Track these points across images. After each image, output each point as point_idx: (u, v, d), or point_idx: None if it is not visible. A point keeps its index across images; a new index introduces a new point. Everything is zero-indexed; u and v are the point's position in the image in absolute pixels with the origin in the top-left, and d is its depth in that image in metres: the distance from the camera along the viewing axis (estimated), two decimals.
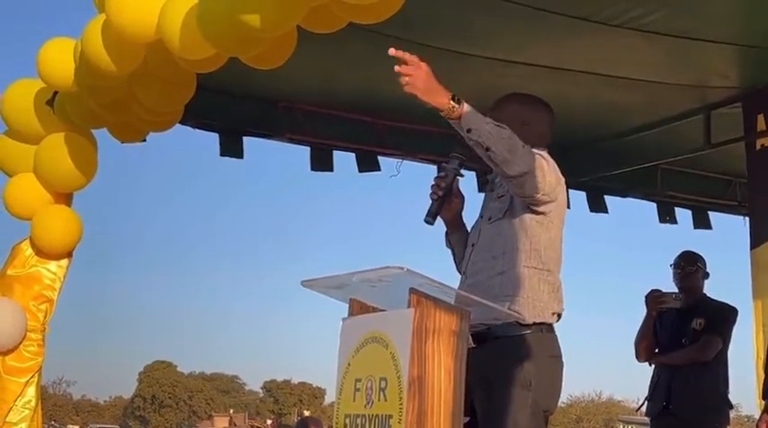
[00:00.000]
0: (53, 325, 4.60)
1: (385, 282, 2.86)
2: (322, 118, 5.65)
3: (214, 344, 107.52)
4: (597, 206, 6.60)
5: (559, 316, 3.39)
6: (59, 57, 4.10)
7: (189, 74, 3.96)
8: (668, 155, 6.09)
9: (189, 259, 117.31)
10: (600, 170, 6.27)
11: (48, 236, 4.56)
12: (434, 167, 5.34)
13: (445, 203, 3.42)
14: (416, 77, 3.05)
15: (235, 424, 69.45)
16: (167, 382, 76.05)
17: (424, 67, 3.07)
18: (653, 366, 5.44)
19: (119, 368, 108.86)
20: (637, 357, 5.46)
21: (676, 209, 6.85)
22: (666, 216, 6.83)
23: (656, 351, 5.41)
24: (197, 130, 5.34)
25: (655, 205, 6.80)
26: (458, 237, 3.64)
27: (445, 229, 3.66)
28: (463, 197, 3.59)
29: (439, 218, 3.42)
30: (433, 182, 3.38)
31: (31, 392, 4.51)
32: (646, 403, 5.45)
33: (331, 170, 5.80)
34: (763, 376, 4.46)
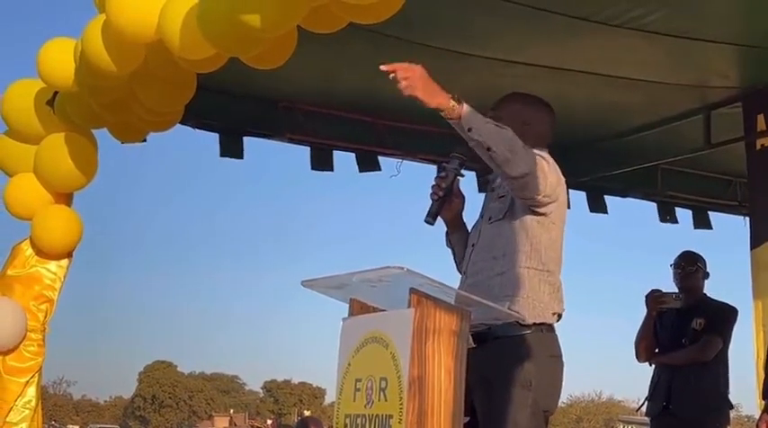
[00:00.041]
0: (53, 325, 4.61)
1: (385, 282, 2.86)
2: (322, 118, 5.65)
3: (214, 344, 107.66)
4: (597, 206, 6.60)
5: (560, 316, 3.39)
6: (60, 58, 4.10)
7: (189, 74, 3.96)
8: (668, 155, 6.09)
9: (189, 259, 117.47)
10: (600, 170, 6.27)
11: (48, 236, 4.56)
12: (434, 167, 5.33)
13: (446, 203, 3.42)
14: (414, 79, 3.05)
15: (235, 424, 69.47)
16: (167, 382, 76.06)
17: (418, 69, 3.07)
18: (653, 366, 5.44)
19: (119, 368, 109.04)
20: (637, 357, 5.46)
21: (676, 209, 6.85)
22: (667, 215, 6.83)
23: (657, 351, 5.41)
24: (197, 130, 5.34)
25: (655, 205, 6.80)
26: (458, 237, 3.64)
27: (446, 229, 3.66)
28: (464, 197, 3.59)
29: (439, 218, 3.42)
30: (434, 183, 3.38)
31: (32, 392, 4.51)
32: (646, 403, 5.45)
33: (331, 170, 5.80)
34: (763, 376, 4.46)
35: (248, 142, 5.51)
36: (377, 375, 2.80)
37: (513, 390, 3.22)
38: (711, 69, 4.98)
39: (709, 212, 6.94)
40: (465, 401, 2.81)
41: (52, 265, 4.61)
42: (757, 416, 4.24)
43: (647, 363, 5.44)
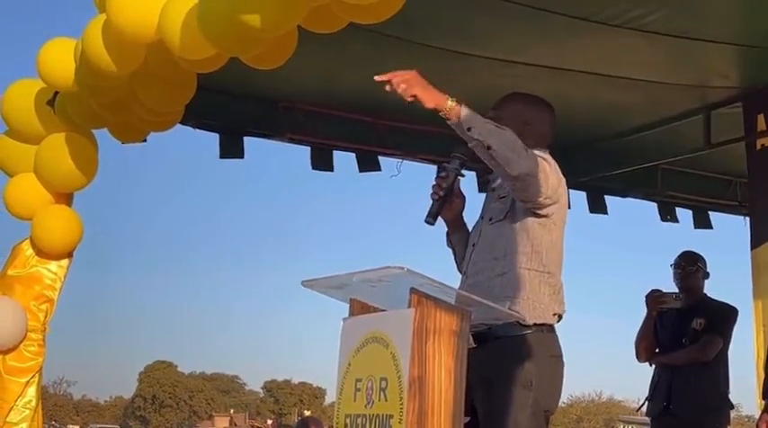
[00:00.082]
0: (53, 325, 4.61)
1: (385, 282, 2.86)
2: (322, 118, 5.65)
3: (214, 344, 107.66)
4: (597, 206, 6.60)
5: (560, 317, 3.39)
6: (60, 58, 4.10)
7: (189, 74, 3.96)
8: (668, 155, 6.09)
9: (189, 259, 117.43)
10: (600, 170, 6.27)
11: (48, 237, 4.56)
12: (435, 167, 5.33)
13: (446, 203, 3.42)
14: (411, 81, 3.07)
15: (235, 424, 69.48)
16: (168, 382, 76.06)
17: (413, 72, 3.09)
18: (653, 366, 5.44)
19: (119, 368, 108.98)
20: (637, 357, 5.46)
21: (677, 209, 6.85)
22: (668, 215, 6.83)
23: (657, 351, 5.41)
24: (197, 130, 5.34)
25: (655, 205, 6.80)
26: (459, 237, 3.64)
27: (446, 229, 3.66)
28: (464, 197, 3.59)
29: (440, 218, 3.42)
30: (434, 183, 3.38)
31: (32, 392, 4.51)
32: (646, 403, 5.46)
33: (331, 170, 5.80)
34: (763, 376, 4.46)
35: (248, 142, 5.51)
36: (377, 375, 2.80)
37: (514, 390, 3.22)
38: (711, 69, 4.98)
39: (710, 212, 6.94)
40: (465, 401, 2.81)
41: (52, 265, 4.61)
42: (757, 416, 4.24)
43: (647, 363, 5.44)
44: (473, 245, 3.50)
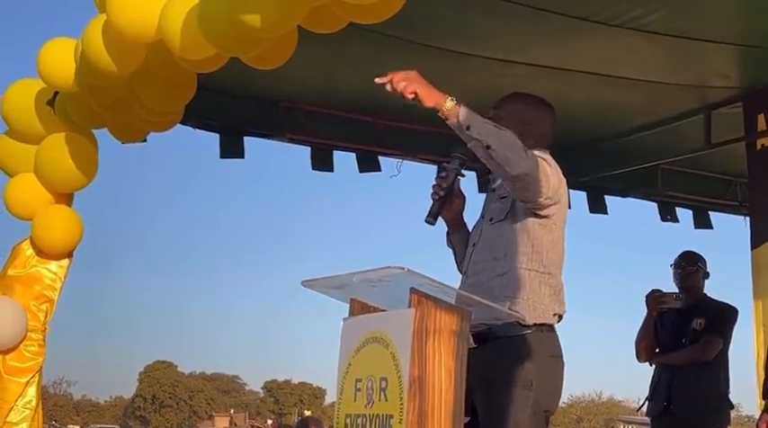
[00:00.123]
0: (54, 325, 4.61)
1: (385, 282, 2.86)
2: (322, 118, 5.65)
3: (214, 344, 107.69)
4: (597, 206, 6.60)
5: (560, 317, 3.39)
6: (60, 58, 4.10)
7: (190, 74, 3.96)
8: (668, 155, 6.09)
9: (189, 259, 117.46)
10: (600, 170, 6.27)
11: (48, 237, 4.56)
12: (435, 167, 5.33)
13: (446, 203, 3.41)
14: (411, 79, 3.08)
15: (235, 424, 69.49)
16: (168, 382, 76.06)
17: (412, 72, 3.10)
18: (653, 366, 5.44)
19: (119, 368, 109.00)
20: (637, 357, 5.46)
21: (677, 209, 6.86)
22: (668, 215, 6.83)
23: (657, 351, 5.42)
24: (198, 130, 5.34)
25: (655, 205, 6.81)
26: (459, 237, 3.64)
27: (446, 229, 3.66)
28: (464, 197, 3.59)
29: (440, 218, 3.42)
30: (434, 183, 3.38)
31: (32, 392, 4.51)
32: (646, 403, 5.46)
33: (331, 170, 5.80)
34: (763, 376, 4.46)
35: (249, 142, 5.52)
36: (377, 375, 2.80)
37: (514, 390, 3.22)
38: (711, 69, 4.98)
39: (710, 212, 6.94)
40: (465, 401, 2.81)
41: (53, 265, 4.61)
42: (757, 416, 4.24)
43: (647, 363, 5.44)
44: (473, 245, 3.50)
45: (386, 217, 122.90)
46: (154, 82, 3.98)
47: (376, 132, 5.77)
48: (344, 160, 5.82)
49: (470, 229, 3.62)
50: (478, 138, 3.10)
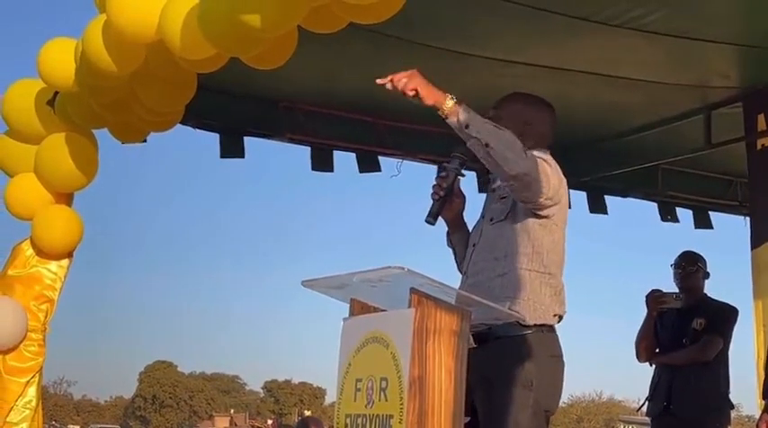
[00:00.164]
0: (54, 325, 4.61)
1: (385, 282, 2.86)
2: (323, 118, 5.65)
3: (215, 344, 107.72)
4: (597, 206, 6.60)
5: (561, 317, 3.39)
6: (60, 58, 4.10)
7: (190, 74, 3.96)
8: (669, 155, 6.09)
9: (189, 259, 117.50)
10: (600, 170, 6.27)
11: (48, 237, 4.56)
12: (435, 167, 5.33)
13: (446, 203, 3.41)
14: (412, 77, 3.10)
15: (235, 424, 69.50)
16: (168, 382, 76.07)
17: (414, 71, 3.12)
18: (653, 366, 5.44)
19: (119, 368, 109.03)
20: (637, 357, 5.46)
21: (677, 209, 6.85)
22: (668, 215, 6.83)
23: (657, 351, 5.41)
24: (198, 130, 5.34)
25: (655, 205, 6.80)
26: (459, 237, 3.64)
27: (446, 229, 3.66)
28: (464, 197, 3.59)
29: (440, 217, 3.42)
30: (435, 182, 3.38)
31: (32, 392, 4.51)
32: (646, 403, 5.46)
33: (331, 170, 5.80)
34: (763, 376, 4.46)
35: (249, 142, 5.52)
36: (377, 375, 2.80)
37: (515, 390, 3.22)
38: (712, 69, 4.98)
39: (710, 212, 6.94)
40: (466, 401, 2.81)
41: (53, 265, 4.61)
42: (757, 416, 4.24)
43: (647, 363, 5.44)
44: (473, 246, 3.50)
45: (386, 217, 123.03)
46: (154, 82, 3.98)
47: (376, 132, 5.77)
48: (344, 160, 5.82)
49: (470, 229, 3.62)
50: (477, 136, 3.10)
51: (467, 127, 3.10)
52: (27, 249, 4.61)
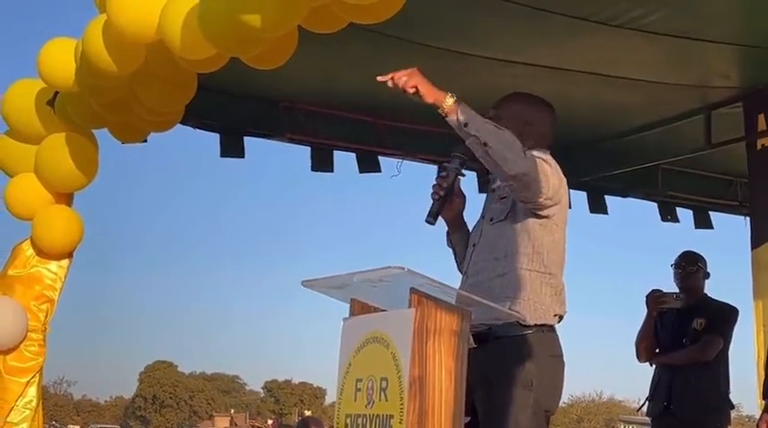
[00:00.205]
0: (54, 325, 4.61)
1: (386, 282, 2.86)
2: (323, 118, 5.65)
3: (215, 344, 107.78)
4: (597, 206, 6.60)
5: (561, 317, 3.38)
6: (60, 58, 4.11)
7: (190, 74, 3.96)
8: (669, 155, 6.09)
9: (189, 259, 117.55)
10: (600, 170, 6.27)
11: (48, 237, 4.56)
12: (435, 167, 5.33)
13: (446, 203, 3.41)
14: (412, 75, 3.11)
15: (236, 424, 69.50)
16: (168, 382, 76.08)
17: (414, 69, 3.13)
18: (654, 366, 5.44)
19: (119, 368, 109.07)
20: (637, 357, 5.46)
21: (677, 209, 6.85)
22: (668, 215, 6.83)
23: (657, 351, 5.41)
24: (198, 130, 5.34)
25: (656, 205, 6.80)
26: (459, 237, 3.64)
27: (446, 229, 3.66)
28: (464, 196, 3.59)
29: (440, 217, 3.42)
30: (435, 182, 3.38)
31: (32, 392, 4.51)
32: (647, 403, 5.45)
33: (331, 170, 5.80)
34: (763, 376, 4.46)
35: (249, 142, 5.51)
36: (377, 375, 2.80)
37: (515, 390, 3.22)
38: (712, 69, 4.98)
39: (710, 212, 6.94)
40: (466, 401, 2.81)
41: (53, 265, 4.61)
42: (758, 416, 4.24)
43: (647, 363, 5.44)
44: (473, 246, 3.50)
45: (386, 217, 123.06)
46: (154, 82, 3.98)
47: (376, 132, 5.77)
48: (344, 160, 5.82)
49: (470, 229, 3.62)
50: (476, 135, 3.11)
51: (466, 125, 3.10)
52: (27, 249, 4.61)
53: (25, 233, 4.63)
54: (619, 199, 6.64)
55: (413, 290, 2.74)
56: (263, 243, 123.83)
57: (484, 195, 3.66)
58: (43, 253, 4.59)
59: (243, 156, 5.51)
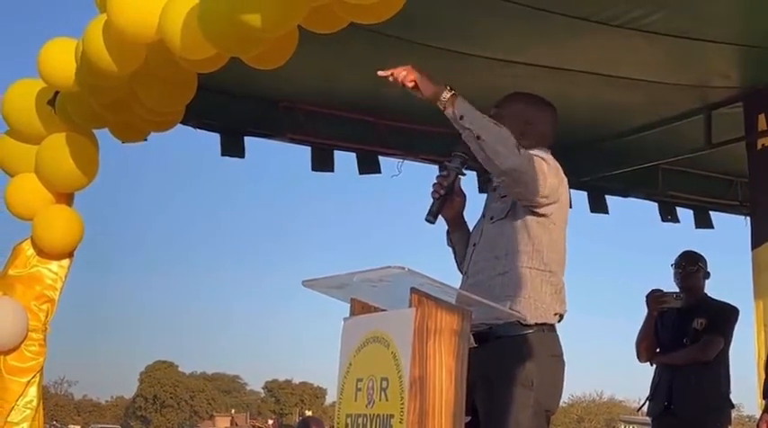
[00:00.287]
0: (54, 324, 4.61)
1: (386, 282, 2.86)
2: (323, 118, 5.65)
3: (215, 344, 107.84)
4: (598, 206, 6.60)
5: (561, 316, 3.38)
6: (60, 57, 4.11)
7: (190, 74, 3.96)
8: (669, 155, 6.09)
9: (190, 259, 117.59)
10: (601, 170, 6.27)
11: (49, 236, 4.56)
12: (435, 167, 5.34)
13: (447, 202, 3.42)
14: (410, 70, 3.16)
15: (236, 424, 69.44)
16: (169, 382, 76.09)
17: (409, 66, 3.18)
18: (654, 366, 5.44)
19: (120, 368, 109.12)
20: (638, 357, 5.46)
21: (678, 208, 6.85)
22: (668, 215, 6.83)
23: (658, 351, 5.41)
24: (198, 130, 5.34)
25: (656, 205, 6.80)
26: (459, 236, 3.64)
27: (446, 228, 3.66)
28: (465, 196, 3.60)
29: (440, 216, 3.43)
30: (435, 181, 3.39)
31: (33, 392, 4.51)
32: (647, 403, 5.45)
33: (332, 170, 5.80)
34: (763, 376, 4.46)
35: (249, 142, 5.52)
36: (378, 375, 2.80)
37: (515, 390, 3.22)
38: (712, 69, 4.98)
39: (711, 212, 6.94)
40: (466, 401, 2.81)
41: (53, 265, 4.61)
42: (758, 416, 4.24)
43: (648, 363, 5.44)
44: (474, 245, 3.50)
45: (386, 217, 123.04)
46: (154, 82, 3.98)
47: (377, 132, 5.77)
48: (345, 160, 5.82)
49: (471, 229, 3.62)
50: (470, 127, 3.14)
51: (461, 118, 3.14)
52: (28, 249, 4.61)
53: (26, 233, 4.63)
54: (619, 199, 6.64)
55: (413, 290, 2.74)
56: (263, 243, 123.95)
57: (484, 195, 3.66)
58: (44, 252, 4.59)
59: (243, 156, 5.51)
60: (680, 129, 5.64)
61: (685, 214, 6.89)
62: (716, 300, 5.40)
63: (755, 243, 5.05)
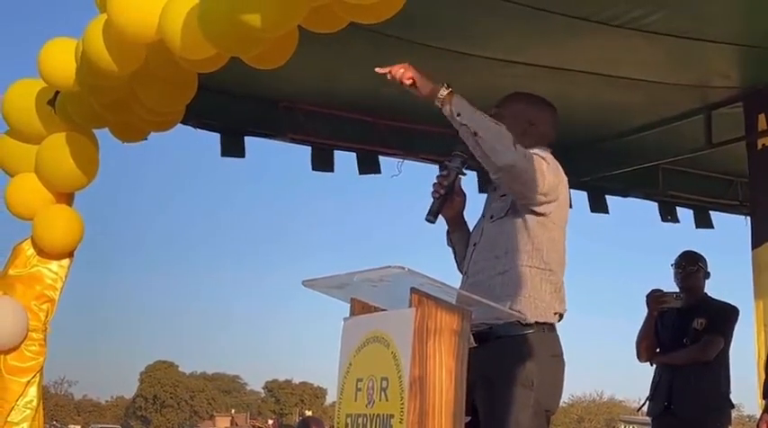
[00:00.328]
0: (54, 324, 4.61)
1: (386, 282, 2.86)
2: (323, 118, 5.65)
3: (215, 344, 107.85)
4: (598, 206, 6.60)
5: (561, 316, 3.39)
6: (60, 57, 4.11)
7: (190, 74, 3.96)
8: (669, 155, 6.09)
9: (190, 259, 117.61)
10: (601, 170, 6.26)
11: (49, 236, 4.56)
12: (436, 167, 5.33)
13: (447, 202, 3.43)
14: (408, 68, 3.19)
15: (236, 424, 69.47)
16: (169, 382, 76.10)
17: (406, 64, 3.22)
18: (654, 366, 5.44)
19: (120, 368, 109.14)
20: (638, 357, 5.46)
21: (678, 208, 6.85)
22: (668, 215, 6.83)
23: (658, 351, 5.41)
24: (198, 130, 5.33)
25: (656, 205, 6.80)
26: (459, 236, 3.64)
27: (446, 228, 3.66)
28: (465, 195, 3.60)
29: (440, 216, 3.43)
30: (435, 181, 3.39)
31: (33, 392, 4.51)
32: (647, 403, 5.45)
33: (332, 170, 5.80)
34: (763, 376, 4.46)
35: (249, 142, 5.51)
36: (378, 375, 2.80)
37: (515, 390, 3.22)
38: (712, 69, 4.98)
39: (711, 212, 6.94)
40: (466, 401, 2.81)
41: (53, 265, 4.61)
42: (758, 416, 4.24)
43: (648, 363, 5.44)
44: (474, 245, 3.50)
45: (386, 217, 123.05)
46: (154, 82, 3.98)
47: (377, 132, 5.77)
48: (345, 160, 5.82)
49: (471, 229, 3.62)
50: (467, 124, 3.15)
51: (458, 115, 3.15)
52: (28, 249, 4.61)
53: (26, 233, 4.63)
54: (619, 199, 6.64)
55: (413, 290, 2.74)
56: (263, 243, 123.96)
57: (484, 195, 3.67)
58: (44, 252, 4.59)
59: (243, 156, 5.51)
60: (680, 129, 5.63)
61: (685, 214, 6.89)
62: (716, 300, 5.40)
63: (755, 243, 5.05)
